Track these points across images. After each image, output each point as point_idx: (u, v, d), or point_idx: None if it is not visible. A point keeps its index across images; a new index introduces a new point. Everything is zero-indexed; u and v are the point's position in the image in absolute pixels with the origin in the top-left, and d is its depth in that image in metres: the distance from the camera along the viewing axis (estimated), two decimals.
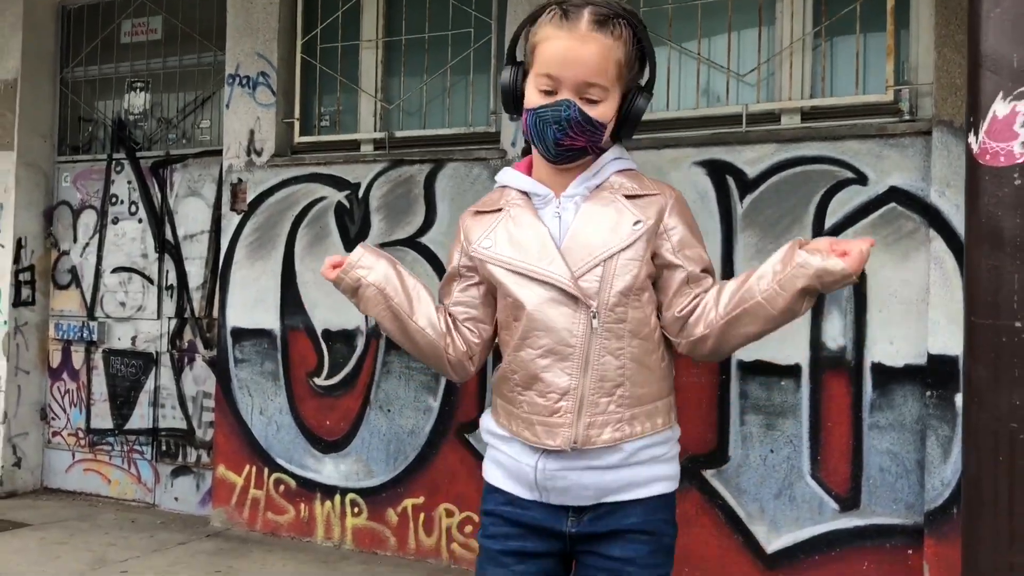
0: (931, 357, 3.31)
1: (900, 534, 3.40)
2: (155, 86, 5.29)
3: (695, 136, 3.76)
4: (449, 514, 4.18)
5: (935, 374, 3.30)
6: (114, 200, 5.30)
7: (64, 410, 5.42)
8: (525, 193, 1.69)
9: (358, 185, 4.45)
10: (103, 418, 5.30)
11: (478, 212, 1.75)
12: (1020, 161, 1.23)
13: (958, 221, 3.27)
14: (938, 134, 3.32)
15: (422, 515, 4.24)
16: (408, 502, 4.28)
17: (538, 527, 1.67)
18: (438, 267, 4.22)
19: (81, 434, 5.36)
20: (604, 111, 1.61)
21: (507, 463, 1.69)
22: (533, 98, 1.61)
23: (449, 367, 1.73)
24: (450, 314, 1.74)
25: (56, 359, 5.46)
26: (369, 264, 1.72)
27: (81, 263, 5.39)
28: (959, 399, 3.25)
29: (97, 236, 5.34)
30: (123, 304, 5.26)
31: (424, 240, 4.29)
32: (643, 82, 1.69)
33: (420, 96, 4.52)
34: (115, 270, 5.28)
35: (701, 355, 1.67)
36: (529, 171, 1.73)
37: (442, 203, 4.25)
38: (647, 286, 1.64)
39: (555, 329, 1.60)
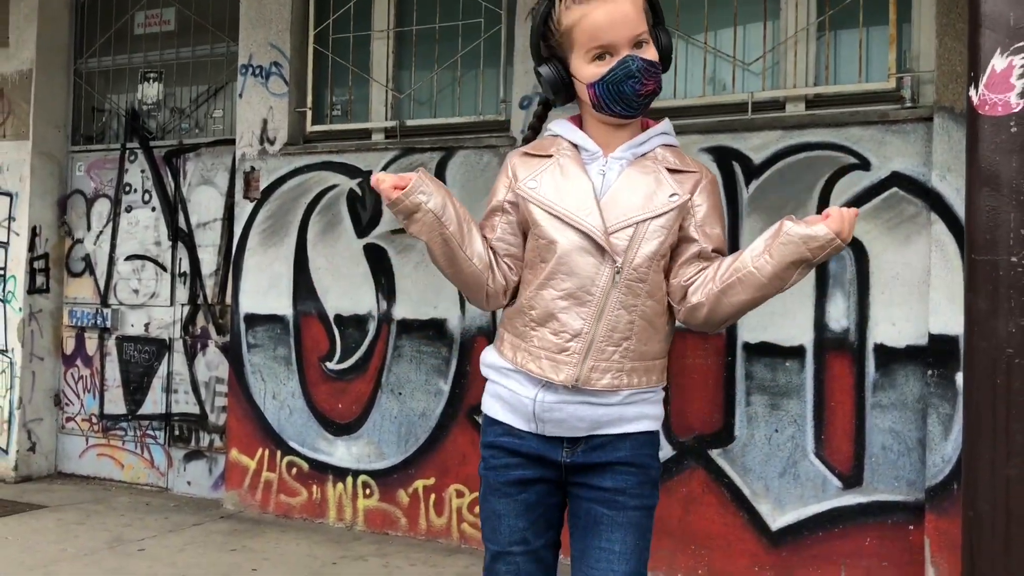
0: (932, 337, 3.40)
1: (902, 510, 3.49)
2: (168, 76, 5.37)
3: (702, 123, 3.85)
4: (459, 495, 4.27)
5: (936, 354, 3.39)
6: (128, 189, 5.39)
7: (78, 396, 5.51)
8: (575, 146, 1.80)
9: (370, 173, 4.53)
10: (116, 404, 5.39)
11: (527, 153, 1.84)
12: (1016, 110, 1.33)
13: (959, 205, 3.36)
14: (939, 120, 3.40)
15: (433, 496, 4.33)
16: (419, 483, 4.36)
17: (535, 456, 1.80)
18: None
19: (94, 419, 5.45)
20: (653, 53, 1.75)
21: (506, 396, 1.81)
22: (591, 71, 1.73)
23: (486, 298, 1.82)
24: (492, 248, 1.83)
25: (70, 346, 5.55)
26: (428, 191, 1.73)
27: (95, 251, 5.47)
28: (959, 378, 3.33)
29: (111, 224, 5.42)
30: (136, 291, 5.34)
31: None
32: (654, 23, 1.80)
33: (431, 85, 4.61)
34: (128, 258, 5.36)
35: (696, 323, 1.77)
36: (580, 127, 1.84)
37: (453, 190, 4.30)
38: (668, 253, 1.76)
39: (579, 275, 1.72)
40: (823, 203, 3.62)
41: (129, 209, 5.37)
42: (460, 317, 4.31)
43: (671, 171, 1.77)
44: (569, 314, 1.73)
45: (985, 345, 1.36)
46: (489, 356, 1.88)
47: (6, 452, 5.38)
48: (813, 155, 3.66)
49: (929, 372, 3.41)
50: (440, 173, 4.36)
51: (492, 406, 1.85)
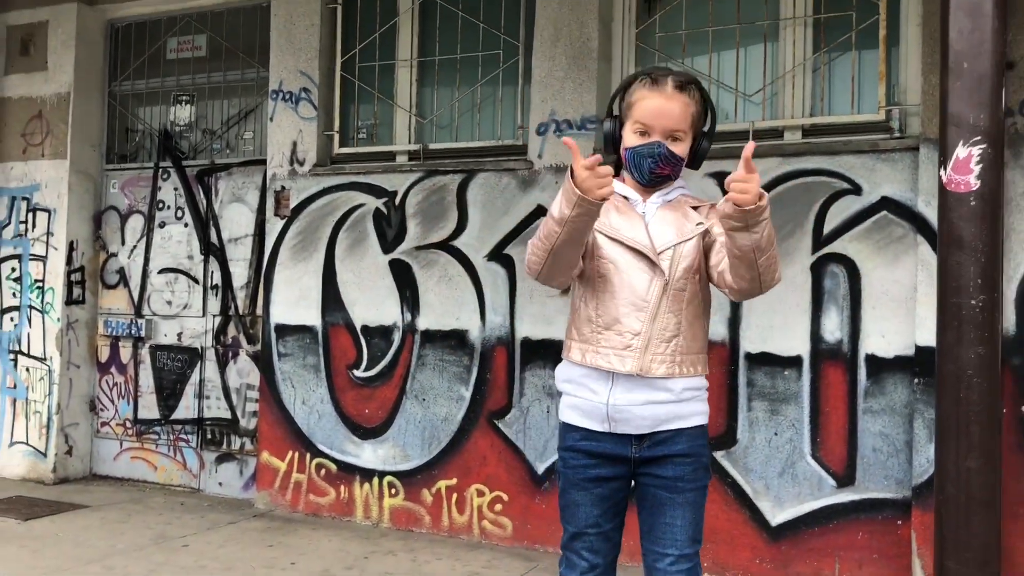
0: (918, 348, 3.72)
1: (891, 507, 3.81)
2: (200, 99, 5.68)
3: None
4: (480, 494, 4.58)
5: (922, 364, 3.71)
6: (161, 205, 5.69)
7: (112, 402, 5.80)
8: (624, 196, 2.23)
9: (395, 193, 4.85)
10: (150, 409, 5.69)
11: None
12: (974, 188, 1.68)
13: None
14: (924, 150, 3.73)
15: (455, 495, 4.64)
16: (442, 483, 4.67)
17: (609, 455, 2.21)
18: (470, 268, 4.63)
19: (128, 424, 5.75)
20: (683, 149, 2.20)
21: (583, 405, 2.22)
22: (631, 140, 2.20)
23: (568, 279, 2.18)
24: None
25: (104, 354, 5.84)
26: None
27: (129, 264, 5.77)
28: None
29: (144, 239, 5.72)
30: (169, 303, 5.64)
31: (457, 244, 4.68)
32: (706, 129, 2.23)
33: (452, 111, 4.92)
34: (162, 271, 5.66)
35: (744, 295, 2.11)
36: (622, 179, 2.27)
37: (473, 209, 4.65)
38: (701, 268, 2.19)
39: (636, 288, 2.16)
40: (819, 225, 3.94)
41: (162, 225, 5.68)
42: (480, 327, 4.62)
43: (693, 208, 2.24)
44: (629, 318, 2.15)
45: (952, 367, 1.70)
46: (563, 371, 2.28)
47: (45, 455, 5.67)
48: (810, 180, 3.98)
49: (915, 380, 3.73)
50: (462, 194, 4.67)
51: (570, 415, 2.25)
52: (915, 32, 3.86)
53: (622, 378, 2.16)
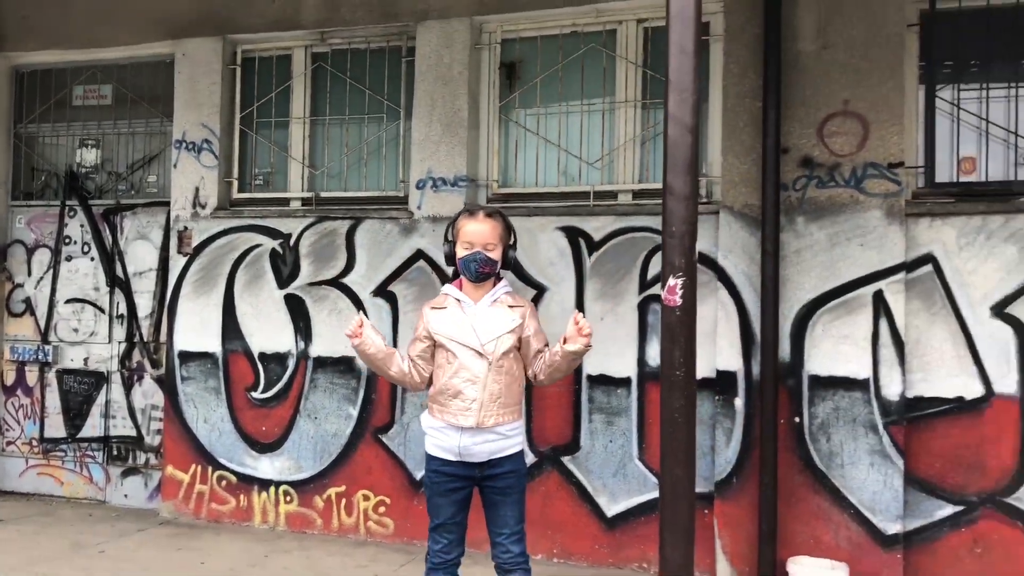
0: (719, 372, 4.67)
1: (701, 499, 4.73)
2: (105, 144, 6.17)
3: (556, 207, 5.02)
4: (366, 499, 5.30)
5: (721, 384, 4.66)
6: (68, 241, 6.15)
7: (19, 422, 6.22)
8: (458, 299, 3.21)
9: (290, 235, 5.51)
10: (56, 428, 6.14)
11: (433, 307, 3.23)
12: (679, 304, 2.61)
13: (736, 276, 4.66)
14: (723, 215, 4.69)
15: (344, 500, 5.35)
16: (332, 491, 5.37)
17: (460, 475, 3.17)
18: (356, 302, 5.34)
19: (35, 442, 6.18)
20: (496, 255, 3.17)
21: (442, 444, 3.21)
22: (461, 252, 3.18)
23: (412, 386, 3.38)
24: (414, 360, 3.33)
25: (11, 378, 6.25)
26: (371, 340, 3.30)
27: (35, 294, 6.20)
28: (738, 402, 4.63)
29: (51, 271, 6.17)
30: (76, 330, 6.11)
31: (345, 281, 5.39)
32: (511, 242, 3.25)
33: (341, 163, 5.63)
34: (68, 301, 6.13)
35: (545, 386, 3.34)
36: (460, 287, 3.25)
37: (360, 251, 5.37)
38: (514, 350, 3.18)
39: (471, 370, 3.13)
40: (644, 272, 4.85)
41: (69, 258, 6.14)
42: None
43: (511, 307, 3.22)
44: (468, 390, 3.19)
45: (667, 412, 2.64)
46: (427, 421, 3.22)
47: None
48: (637, 236, 4.89)
49: (716, 397, 4.68)
50: (350, 237, 5.38)
51: (433, 449, 3.22)
52: (717, 120, 4.83)
53: (467, 428, 3.12)
